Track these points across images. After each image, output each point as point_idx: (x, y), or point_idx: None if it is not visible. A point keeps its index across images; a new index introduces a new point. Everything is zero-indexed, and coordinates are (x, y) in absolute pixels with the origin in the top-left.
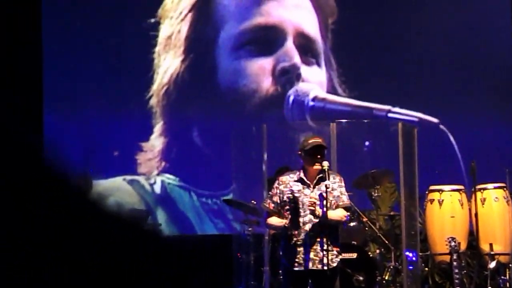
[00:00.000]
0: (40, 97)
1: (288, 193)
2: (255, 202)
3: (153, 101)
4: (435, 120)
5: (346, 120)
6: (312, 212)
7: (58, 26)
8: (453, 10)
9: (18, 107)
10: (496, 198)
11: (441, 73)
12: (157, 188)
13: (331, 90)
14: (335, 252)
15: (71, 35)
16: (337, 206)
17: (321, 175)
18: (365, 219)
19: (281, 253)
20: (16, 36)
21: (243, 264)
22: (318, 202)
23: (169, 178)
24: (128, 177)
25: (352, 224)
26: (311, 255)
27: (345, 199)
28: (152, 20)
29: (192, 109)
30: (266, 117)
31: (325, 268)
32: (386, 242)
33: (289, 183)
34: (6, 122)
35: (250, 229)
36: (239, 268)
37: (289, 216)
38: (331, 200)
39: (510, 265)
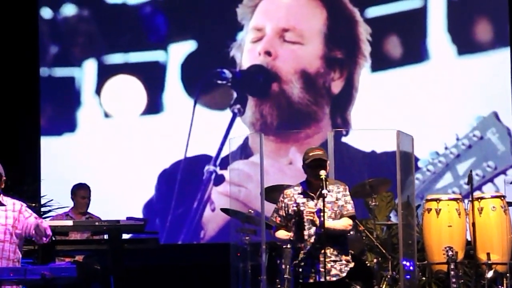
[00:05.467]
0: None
1: (293, 206)
2: (252, 211)
3: None
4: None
5: (343, 129)
6: (312, 223)
7: None
8: None
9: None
10: (494, 207)
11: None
12: None
13: None
14: (344, 262)
15: None
16: (342, 216)
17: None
18: (362, 228)
19: (286, 266)
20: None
21: (240, 273)
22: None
23: None
24: None
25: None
26: (319, 267)
27: (349, 207)
28: None
29: None
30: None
31: (334, 279)
32: (383, 251)
33: (293, 196)
34: None
35: (247, 238)
36: (237, 277)
37: (293, 229)
38: (336, 210)
39: (508, 274)
